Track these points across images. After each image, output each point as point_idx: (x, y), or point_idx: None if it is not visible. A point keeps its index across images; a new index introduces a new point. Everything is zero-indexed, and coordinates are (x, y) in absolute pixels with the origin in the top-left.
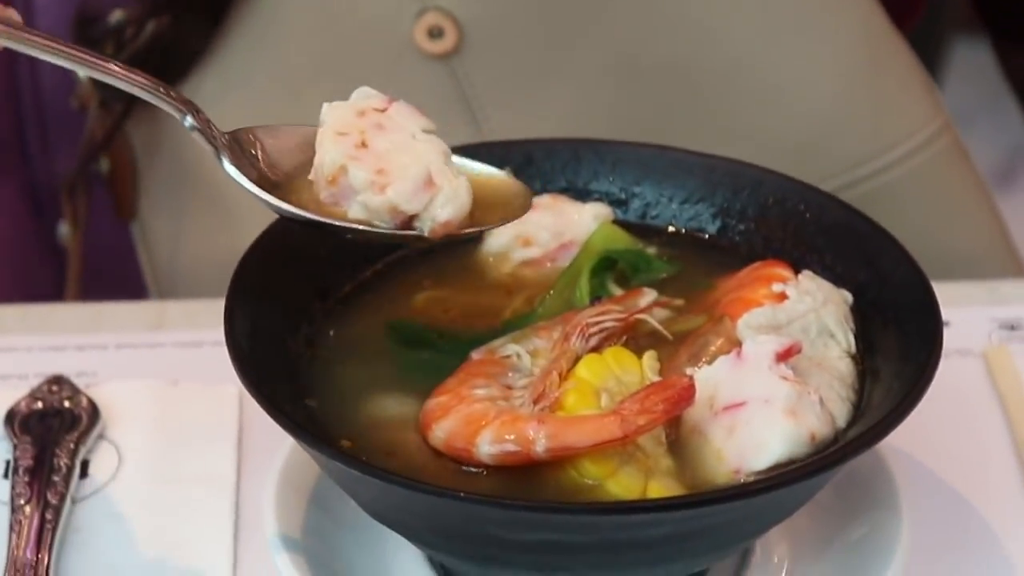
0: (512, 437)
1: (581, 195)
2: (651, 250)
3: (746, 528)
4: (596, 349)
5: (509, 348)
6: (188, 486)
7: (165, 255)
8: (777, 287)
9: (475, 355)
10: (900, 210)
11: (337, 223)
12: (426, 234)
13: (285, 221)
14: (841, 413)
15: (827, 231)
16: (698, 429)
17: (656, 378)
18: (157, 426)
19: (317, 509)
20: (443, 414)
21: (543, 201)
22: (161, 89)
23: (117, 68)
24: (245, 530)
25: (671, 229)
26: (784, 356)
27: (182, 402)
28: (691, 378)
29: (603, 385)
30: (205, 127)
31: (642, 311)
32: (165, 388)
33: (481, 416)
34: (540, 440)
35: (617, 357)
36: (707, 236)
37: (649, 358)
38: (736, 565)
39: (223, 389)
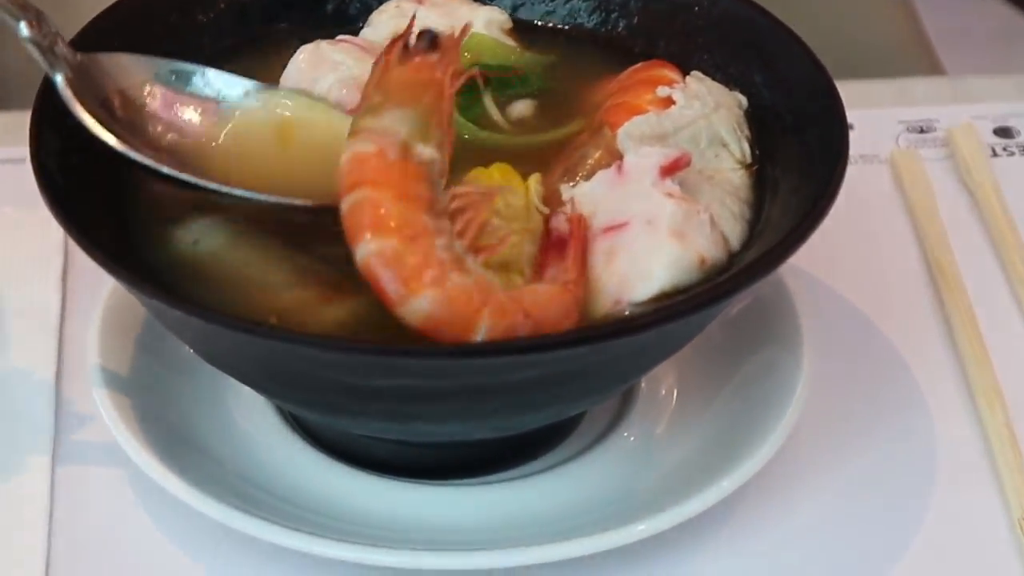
0: (502, 328)
1: None
2: (528, 55)
3: (627, 368)
4: None
5: (426, 152)
6: (6, 321)
7: None
8: (662, 91)
9: (389, 151)
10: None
11: (209, 185)
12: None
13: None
14: (735, 233)
15: (718, 25)
16: None
17: (541, 205)
18: None
19: (146, 352)
20: (414, 277)
21: None
22: None
23: None
24: (68, 372)
25: (546, 25)
26: (670, 170)
27: (1, 229)
28: (584, 218)
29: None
30: (46, 40)
31: (473, 75)
32: None
33: (466, 301)
34: (524, 331)
35: (504, 174)
36: (585, 32)
37: (534, 182)
38: (618, 405)
39: (48, 214)
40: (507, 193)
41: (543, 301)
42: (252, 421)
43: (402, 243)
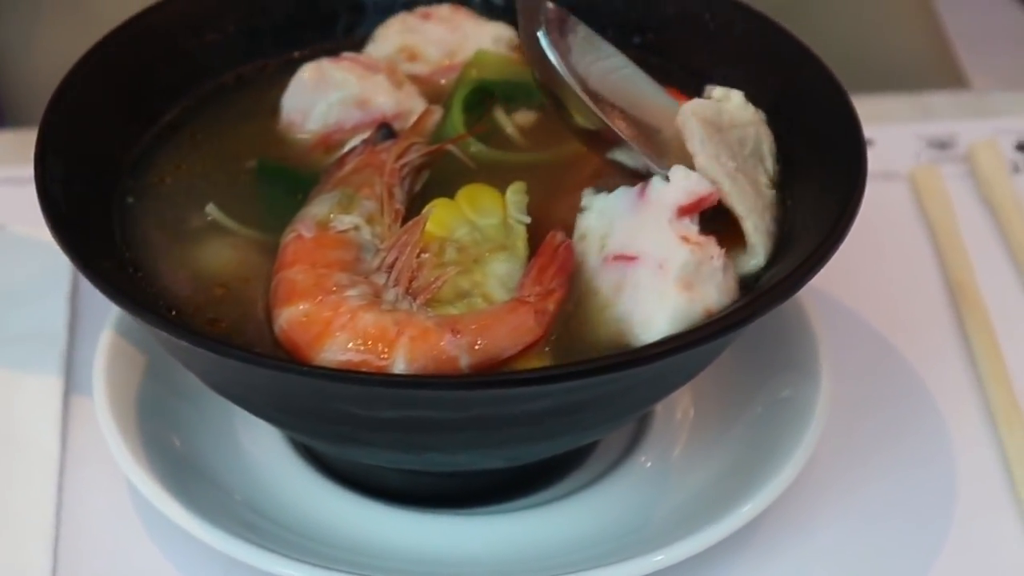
0: (431, 356)
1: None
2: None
3: (641, 396)
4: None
5: (344, 220)
6: (13, 345)
7: (17, 67)
8: (718, 92)
9: (304, 232)
10: (821, 10)
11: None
12: None
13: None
14: (764, 250)
15: (735, 42)
16: (584, 274)
17: (523, 216)
18: None
19: (153, 378)
20: (324, 331)
21: (440, 12)
22: None
23: None
24: (77, 397)
25: None
26: (689, 210)
27: (8, 249)
28: (559, 233)
29: (451, 236)
30: None
31: (453, 141)
32: None
33: (380, 334)
34: (463, 357)
35: (471, 199)
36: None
37: (514, 192)
38: (633, 429)
39: None
40: (476, 218)
41: (484, 319)
42: (261, 449)
43: (312, 304)
